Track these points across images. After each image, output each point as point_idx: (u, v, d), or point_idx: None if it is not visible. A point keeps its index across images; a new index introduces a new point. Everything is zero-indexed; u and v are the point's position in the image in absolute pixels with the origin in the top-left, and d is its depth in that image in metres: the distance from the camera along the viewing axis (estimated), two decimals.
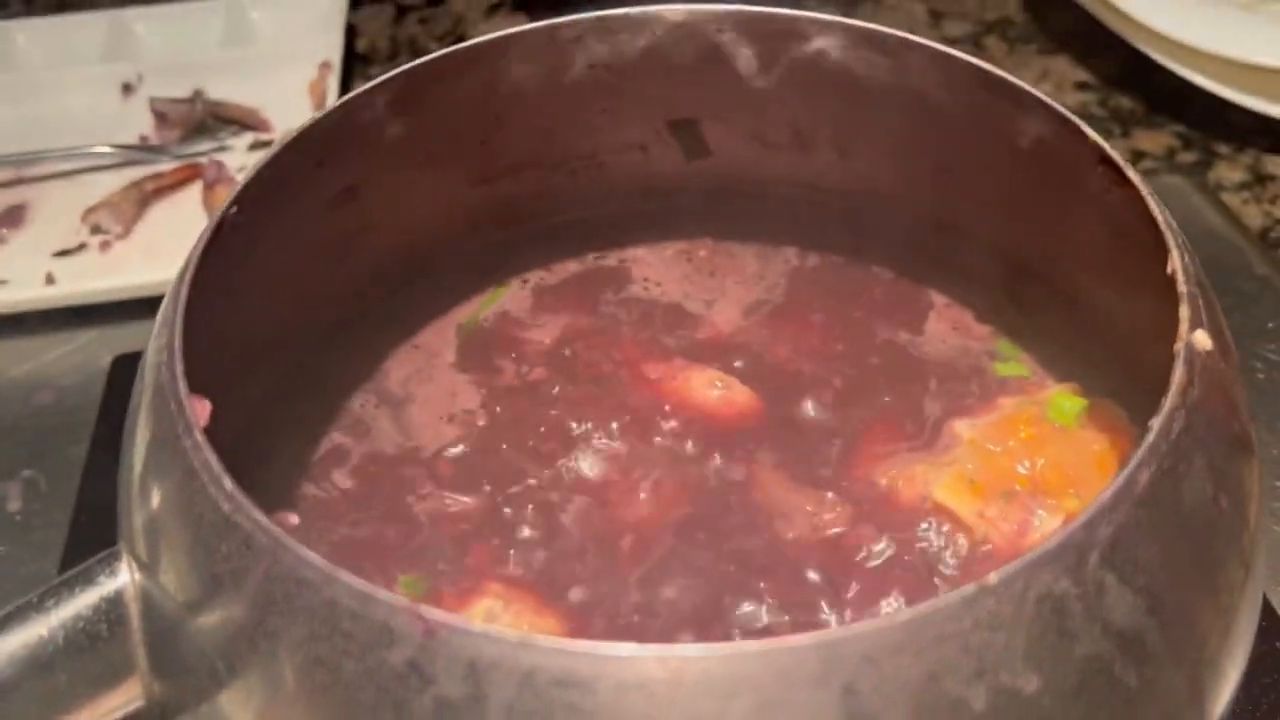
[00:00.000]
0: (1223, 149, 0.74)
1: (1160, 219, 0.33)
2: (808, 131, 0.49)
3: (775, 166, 0.51)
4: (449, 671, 0.24)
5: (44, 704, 0.30)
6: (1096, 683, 0.25)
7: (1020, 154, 0.41)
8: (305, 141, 0.40)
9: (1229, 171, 0.72)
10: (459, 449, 0.44)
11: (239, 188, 0.37)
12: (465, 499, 0.42)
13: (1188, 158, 0.74)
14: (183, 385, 0.29)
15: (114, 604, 0.30)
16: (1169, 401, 0.27)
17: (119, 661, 0.31)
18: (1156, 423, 0.27)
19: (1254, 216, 0.68)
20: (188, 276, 0.33)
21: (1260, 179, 0.71)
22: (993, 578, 0.24)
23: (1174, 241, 0.32)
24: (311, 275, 0.44)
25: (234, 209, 0.36)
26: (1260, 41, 0.69)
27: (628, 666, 0.23)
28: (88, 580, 0.31)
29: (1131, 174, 0.34)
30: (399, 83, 0.42)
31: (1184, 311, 0.29)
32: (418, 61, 0.43)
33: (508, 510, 0.42)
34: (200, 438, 0.28)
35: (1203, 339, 0.29)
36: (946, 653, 0.23)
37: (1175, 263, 0.31)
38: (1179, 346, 0.28)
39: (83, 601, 0.30)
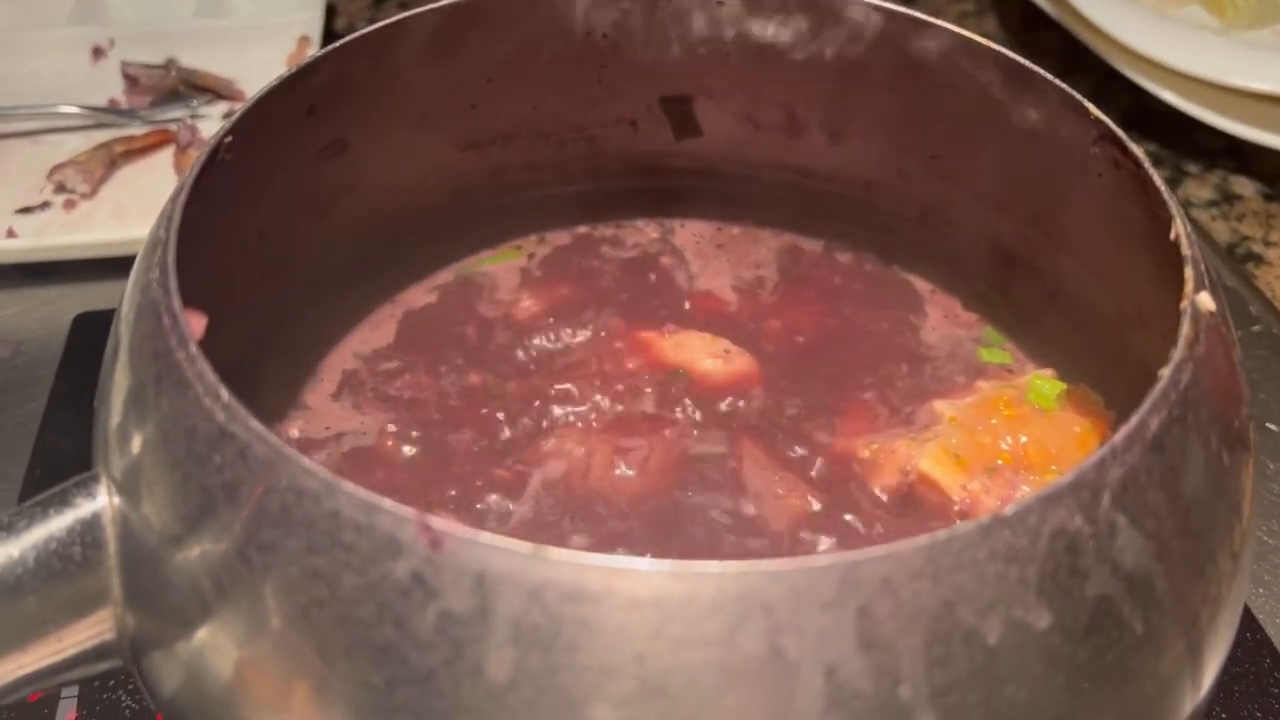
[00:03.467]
0: (1192, 168, 0.75)
1: (1163, 189, 0.33)
2: (801, 114, 0.49)
3: (766, 149, 0.50)
4: (455, 584, 0.23)
5: (8, 629, 0.29)
6: (1105, 625, 0.25)
7: (1017, 136, 0.41)
8: (296, 83, 0.39)
9: (1198, 189, 0.73)
10: (435, 415, 0.43)
11: (234, 119, 0.36)
12: (447, 460, 0.41)
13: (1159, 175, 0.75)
14: (177, 299, 0.28)
15: (90, 527, 0.29)
16: (1177, 354, 0.27)
17: (92, 589, 0.29)
18: (1167, 371, 0.27)
19: (1222, 232, 0.70)
20: (181, 197, 0.32)
21: (1227, 197, 0.73)
22: (1008, 510, 0.24)
23: (1176, 210, 0.32)
24: (298, 225, 0.43)
25: (229, 138, 0.35)
26: (1231, 63, 0.70)
27: (641, 581, 0.22)
28: (63, 502, 0.29)
29: (1133, 148, 0.35)
30: (391, 31, 0.41)
31: (1189, 273, 0.30)
32: (411, 13, 0.42)
33: (485, 473, 0.41)
34: (195, 349, 0.27)
35: (1206, 300, 0.29)
36: (962, 581, 0.23)
37: (1179, 228, 0.31)
38: (1185, 304, 0.29)
39: (57, 524, 0.29)
